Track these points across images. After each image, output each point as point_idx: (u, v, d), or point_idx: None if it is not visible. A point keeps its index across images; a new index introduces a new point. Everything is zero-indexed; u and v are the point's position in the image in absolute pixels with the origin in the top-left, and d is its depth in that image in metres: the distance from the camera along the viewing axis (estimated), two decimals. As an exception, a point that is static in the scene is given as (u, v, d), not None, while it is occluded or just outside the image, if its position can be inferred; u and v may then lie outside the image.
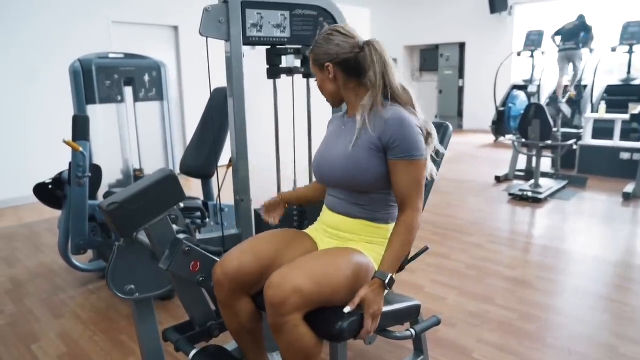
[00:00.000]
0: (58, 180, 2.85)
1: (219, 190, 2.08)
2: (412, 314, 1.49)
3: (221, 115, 2.94)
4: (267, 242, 1.46)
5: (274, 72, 1.97)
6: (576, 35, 7.20)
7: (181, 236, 1.48)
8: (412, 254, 1.69)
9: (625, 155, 5.73)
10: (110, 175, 3.28)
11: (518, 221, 4.45)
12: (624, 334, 2.30)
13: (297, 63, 2.02)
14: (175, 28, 6.28)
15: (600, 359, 2.10)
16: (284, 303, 1.17)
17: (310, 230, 1.59)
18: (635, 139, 5.96)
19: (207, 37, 1.78)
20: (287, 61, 1.99)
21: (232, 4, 1.77)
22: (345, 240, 1.46)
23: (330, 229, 1.51)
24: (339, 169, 1.43)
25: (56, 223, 3.88)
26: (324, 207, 1.58)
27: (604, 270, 3.14)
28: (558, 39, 7.44)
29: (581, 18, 7.25)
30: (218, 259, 1.50)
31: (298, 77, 2.08)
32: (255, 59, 2.08)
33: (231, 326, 1.43)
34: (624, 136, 5.97)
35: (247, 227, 1.97)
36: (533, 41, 8.41)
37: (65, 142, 2.61)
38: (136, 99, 3.28)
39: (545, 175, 5.47)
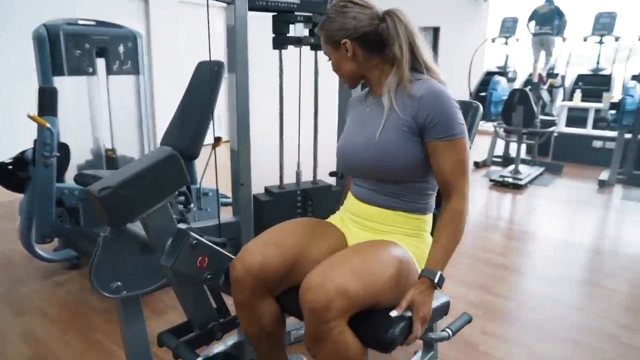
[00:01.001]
0: (20, 159, 2.54)
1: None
2: (443, 312, 1.36)
3: (206, 91, 2.70)
4: (291, 233, 1.27)
5: (281, 41, 1.76)
6: (551, 20, 7.20)
7: (183, 226, 1.27)
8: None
9: (597, 144, 5.83)
10: (79, 155, 2.96)
11: (501, 207, 4.43)
12: (627, 325, 2.27)
13: (306, 32, 1.81)
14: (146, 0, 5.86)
15: (606, 349, 2.05)
16: (327, 307, 0.99)
17: (334, 220, 1.41)
18: (604, 127, 6.08)
19: (207, 1, 1.54)
20: (295, 30, 1.78)
21: (236, -39, 1.54)
22: (380, 232, 1.28)
23: (361, 219, 1.33)
24: (367, 158, 1.26)
25: (12, 207, 3.53)
26: (350, 195, 1.40)
27: (592, 258, 3.14)
28: (532, 24, 7.43)
29: (550, 2, 7.24)
30: (227, 253, 1.31)
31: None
32: (253, 25, 1.86)
33: (250, 330, 1.23)
34: (594, 126, 6.08)
35: (247, 214, 1.78)
36: (508, 28, 8.42)
37: (30, 117, 2.32)
38: (109, 71, 2.96)
39: (523, 161, 5.48)
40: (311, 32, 1.82)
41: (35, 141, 2.43)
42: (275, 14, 1.73)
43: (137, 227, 1.41)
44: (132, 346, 1.57)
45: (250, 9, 1.62)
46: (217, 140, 2.64)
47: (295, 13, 1.73)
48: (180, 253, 1.20)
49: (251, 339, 1.28)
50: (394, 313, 1.08)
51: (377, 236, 1.28)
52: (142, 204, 1.18)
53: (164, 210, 1.24)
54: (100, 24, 3.00)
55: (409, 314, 1.12)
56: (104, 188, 1.11)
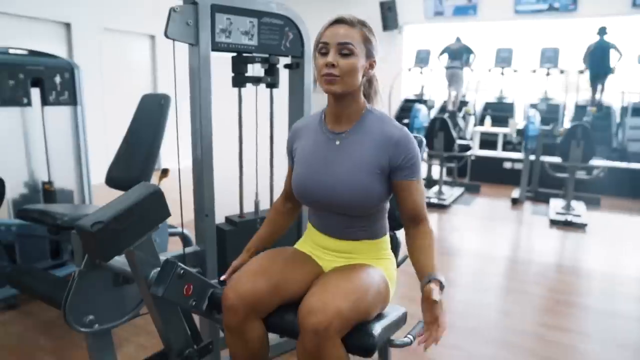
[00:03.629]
0: (-49, 196, 2.40)
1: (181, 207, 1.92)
2: (401, 322, 1.52)
3: (153, 123, 2.73)
4: (273, 261, 1.37)
5: (240, 80, 1.88)
6: (461, 56, 8.01)
7: (170, 258, 1.34)
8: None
9: (507, 165, 6.48)
10: (14, 189, 2.83)
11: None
12: (548, 324, 2.59)
13: (262, 72, 1.96)
14: (67, 25, 5.67)
15: (535, 347, 2.34)
16: (328, 328, 1.12)
17: (302, 247, 1.51)
18: (510, 149, 6.78)
19: (173, 40, 1.63)
20: (253, 70, 1.92)
21: (201, 6, 1.66)
22: (351, 258, 1.42)
23: (329, 250, 1.44)
24: (343, 198, 1.31)
25: None
26: (311, 228, 1.49)
27: (511, 267, 3.52)
28: (444, 57, 8.21)
29: (459, 40, 8.10)
30: (209, 281, 1.39)
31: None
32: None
33: (238, 354, 1.31)
34: (503, 148, 6.77)
35: (211, 243, 1.85)
36: (422, 59, 9.15)
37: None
38: (45, 102, 2.88)
39: (445, 183, 5.95)
40: (267, 72, 1.96)
41: (-31, 176, 2.32)
42: (235, 54, 1.85)
43: (109, 262, 1.45)
44: (103, 379, 1.58)
45: (213, 50, 1.73)
46: (165, 171, 2.69)
47: (254, 54, 1.87)
48: (170, 282, 1.26)
49: (237, 364, 1.35)
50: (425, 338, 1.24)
51: (349, 261, 1.41)
52: (130, 237, 1.24)
53: (148, 242, 1.31)
54: (33, 53, 2.94)
55: (383, 320, 1.29)
56: (96, 222, 1.16)
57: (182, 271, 1.29)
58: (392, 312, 1.43)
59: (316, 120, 1.45)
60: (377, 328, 1.26)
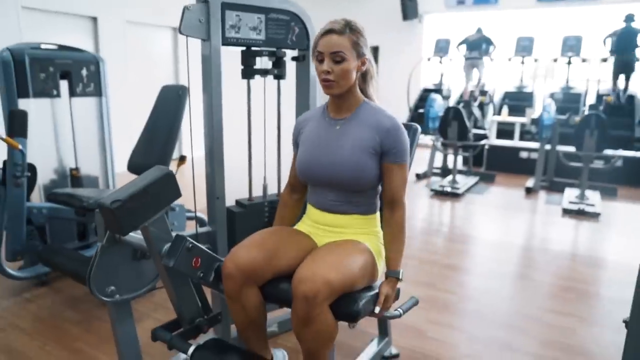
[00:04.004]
0: (-12, 180, 2.62)
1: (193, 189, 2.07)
2: (395, 297, 1.64)
3: (171, 113, 2.89)
4: (270, 236, 1.53)
5: (249, 72, 2.01)
6: (479, 46, 7.96)
7: (180, 234, 1.49)
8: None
9: (524, 154, 6.47)
10: (44, 175, 3.05)
11: (442, 214, 4.86)
12: (550, 308, 2.67)
13: (270, 65, 2.08)
14: (94, 19, 5.90)
15: (530, 328, 2.43)
16: (316, 295, 1.26)
17: (301, 227, 1.67)
18: (529, 139, 6.75)
19: (187, 36, 1.77)
20: (261, 63, 2.04)
21: (212, 4, 1.79)
22: (342, 233, 1.57)
23: (324, 226, 1.60)
24: (342, 173, 1.50)
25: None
26: (310, 207, 1.67)
27: (522, 255, 3.58)
28: (463, 48, 8.17)
29: (480, 31, 8.02)
30: (215, 255, 1.54)
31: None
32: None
33: (238, 319, 1.47)
34: (521, 137, 6.74)
35: (221, 224, 2.00)
36: (441, 48, 9.11)
37: (2, 139, 2.41)
38: (72, 93, 3.08)
39: (459, 172, 6.00)
40: (274, 64, 2.09)
41: (4, 162, 2.52)
42: (244, 48, 1.99)
43: (128, 237, 1.61)
44: (123, 344, 1.76)
45: (223, 44, 1.87)
46: (183, 158, 2.85)
47: (261, 48, 2.00)
48: (179, 255, 1.41)
49: (239, 327, 1.51)
50: (377, 309, 1.43)
51: (339, 237, 1.56)
52: (146, 214, 1.39)
53: (162, 219, 1.46)
54: (62, 48, 3.12)
55: (370, 293, 1.42)
56: (115, 201, 1.31)
57: (190, 245, 1.44)
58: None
59: (319, 112, 1.68)
60: (363, 298, 1.39)
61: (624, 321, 1.29)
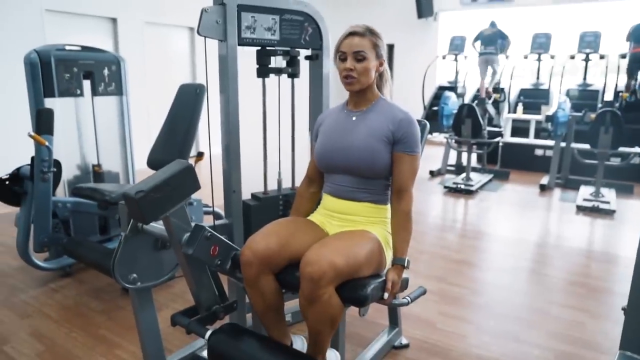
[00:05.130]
0: (16, 175, 2.75)
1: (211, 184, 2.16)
2: (404, 286, 1.71)
3: (189, 110, 2.99)
4: (285, 226, 1.61)
5: (264, 71, 2.09)
6: (494, 42, 7.90)
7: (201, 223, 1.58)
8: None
9: (539, 152, 6.44)
10: (68, 171, 3.18)
11: (456, 211, 4.89)
12: (557, 302, 2.70)
13: (284, 64, 2.16)
14: (114, 20, 6.07)
15: (536, 320, 2.47)
16: (322, 277, 1.33)
17: (314, 218, 1.75)
18: (545, 137, 6.71)
19: (205, 37, 1.86)
20: (275, 62, 2.12)
21: (229, 6, 1.87)
22: (352, 222, 1.65)
23: (337, 213, 1.68)
24: (357, 158, 1.60)
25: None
26: (325, 196, 1.76)
27: (534, 251, 3.61)
28: (478, 44, 8.11)
29: (493, 25, 7.93)
30: (232, 244, 1.62)
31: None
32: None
33: (257, 306, 1.56)
34: (537, 135, 6.70)
35: (238, 216, 2.09)
36: (457, 46, 9.10)
37: (30, 136, 2.54)
38: (95, 93, 3.20)
39: (473, 169, 6.00)
40: (288, 63, 2.17)
41: (32, 158, 2.65)
42: (259, 48, 2.07)
43: (150, 227, 1.71)
44: (145, 330, 1.85)
45: (239, 45, 1.95)
46: (200, 154, 2.94)
47: (276, 48, 2.08)
48: (198, 243, 1.50)
49: (259, 313, 1.59)
50: (385, 295, 1.49)
51: (350, 225, 1.64)
52: (167, 204, 1.47)
53: (182, 210, 1.54)
54: (85, 49, 3.25)
55: (378, 280, 1.48)
56: (139, 191, 1.40)
57: (209, 234, 1.53)
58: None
59: (339, 107, 1.81)
60: (371, 284, 1.45)
61: (623, 308, 1.34)
